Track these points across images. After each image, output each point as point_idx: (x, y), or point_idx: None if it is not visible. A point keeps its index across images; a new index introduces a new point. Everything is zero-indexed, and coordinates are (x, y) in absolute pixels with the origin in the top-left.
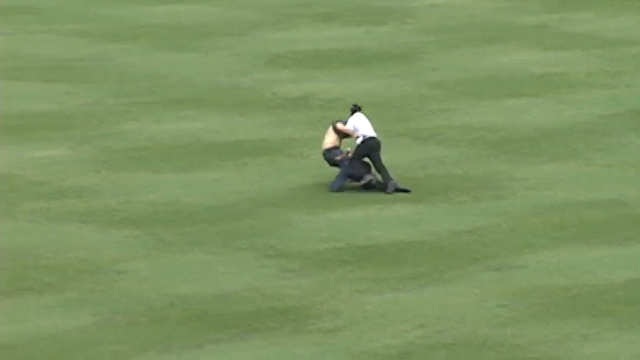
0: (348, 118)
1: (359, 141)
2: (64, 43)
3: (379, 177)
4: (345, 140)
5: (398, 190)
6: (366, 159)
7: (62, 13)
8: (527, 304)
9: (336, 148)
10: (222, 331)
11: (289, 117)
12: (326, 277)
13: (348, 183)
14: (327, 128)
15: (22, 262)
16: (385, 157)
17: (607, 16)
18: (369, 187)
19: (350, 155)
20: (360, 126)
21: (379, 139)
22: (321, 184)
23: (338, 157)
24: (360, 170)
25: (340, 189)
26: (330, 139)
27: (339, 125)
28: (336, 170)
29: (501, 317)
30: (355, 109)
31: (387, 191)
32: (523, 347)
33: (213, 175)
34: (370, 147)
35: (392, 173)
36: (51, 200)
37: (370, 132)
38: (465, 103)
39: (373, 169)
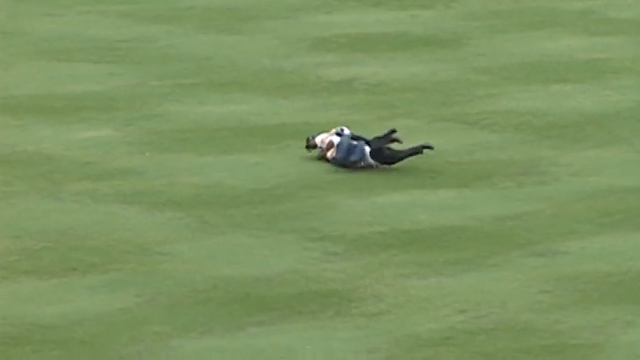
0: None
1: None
2: (109, 24)
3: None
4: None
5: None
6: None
7: None
8: (571, 290)
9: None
10: (265, 313)
11: (333, 100)
12: (369, 261)
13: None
14: (371, 112)
15: (67, 243)
16: (430, 141)
17: None
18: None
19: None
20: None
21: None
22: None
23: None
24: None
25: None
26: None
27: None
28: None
29: (544, 303)
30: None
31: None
32: (565, 333)
33: (256, 158)
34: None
35: (438, 158)
36: (96, 181)
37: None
38: (510, 88)
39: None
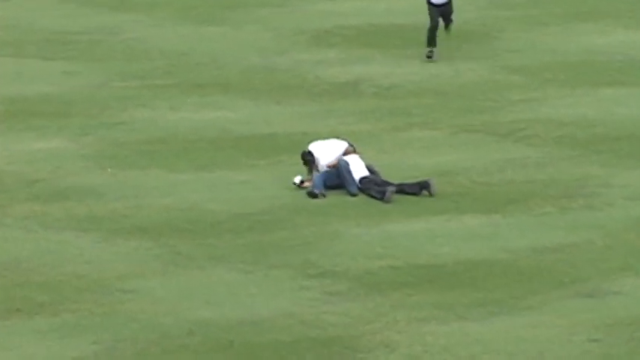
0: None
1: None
2: (65, 12)
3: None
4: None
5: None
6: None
7: None
8: (625, 338)
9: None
10: None
11: (336, 106)
12: (379, 302)
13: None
14: (381, 121)
15: (11, 278)
16: (453, 157)
17: None
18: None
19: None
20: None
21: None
22: None
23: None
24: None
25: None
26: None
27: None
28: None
29: (592, 354)
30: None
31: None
32: None
33: (242, 176)
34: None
35: (462, 177)
36: (46, 203)
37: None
38: (551, 93)
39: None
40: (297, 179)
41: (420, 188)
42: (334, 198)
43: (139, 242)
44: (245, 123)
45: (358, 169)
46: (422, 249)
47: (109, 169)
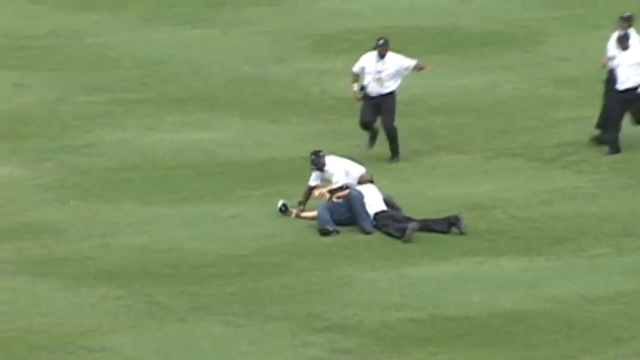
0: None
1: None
2: (16, 11)
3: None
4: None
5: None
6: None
7: None
8: None
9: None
10: None
11: (345, 126)
12: None
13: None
14: (401, 144)
15: None
16: (487, 187)
17: None
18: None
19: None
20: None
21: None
22: None
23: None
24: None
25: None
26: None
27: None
28: None
29: None
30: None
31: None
32: None
33: (232, 209)
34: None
35: (498, 211)
36: None
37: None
38: None
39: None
40: (281, 203)
41: (448, 225)
42: (344, 236)
43: (107, 290)
44: (234, 146)
45: (374, 202)
46: (449, 298)
47: (72, 202)
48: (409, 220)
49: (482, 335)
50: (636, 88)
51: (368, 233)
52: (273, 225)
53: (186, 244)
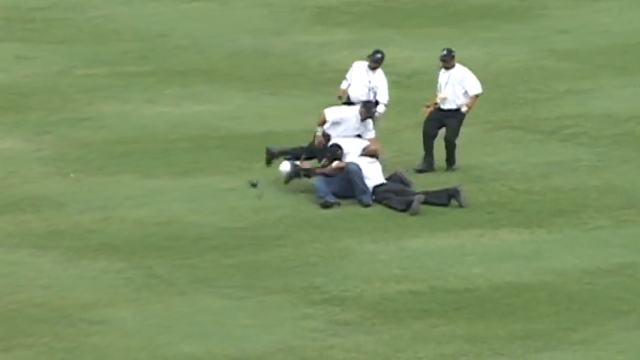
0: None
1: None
2: None
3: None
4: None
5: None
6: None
7: None
8: None
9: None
10: None
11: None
12: (397, 335)
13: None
14: (402, 116)
15: None
16: (487, 159)
17: None
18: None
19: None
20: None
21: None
22: None
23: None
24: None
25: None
26: None
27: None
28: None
29: None
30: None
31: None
32: None
33: (232, 182)
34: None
35: (498, 183)
36: None
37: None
38: (605, 82)
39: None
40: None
41: (447, 197)
42: (344, 209)
43: (107, 263)
44: (234, 118)
45: (373, 175)
46: (449, 270)
47: (72, 175)
48: (408, 193)
49: (482, 307)
50: None
51: (367, 206)
52: (273, 197)
53: (186, 216)
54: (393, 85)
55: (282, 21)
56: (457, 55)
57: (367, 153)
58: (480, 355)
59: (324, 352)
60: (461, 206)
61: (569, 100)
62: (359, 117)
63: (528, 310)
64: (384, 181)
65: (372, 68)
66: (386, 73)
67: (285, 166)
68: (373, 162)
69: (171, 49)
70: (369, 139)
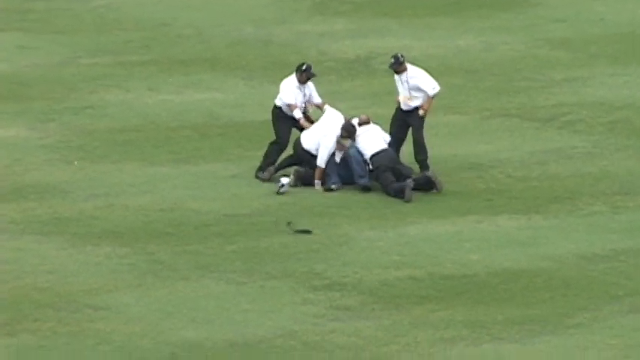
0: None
1: None
2: None
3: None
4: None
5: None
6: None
7: None
8: None
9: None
10: None
11: (344, 87)
12: (397, 320)
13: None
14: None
15: None
16: (484, 147)
17: None
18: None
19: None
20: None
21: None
22: None
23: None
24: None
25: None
26: None
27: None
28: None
29: None
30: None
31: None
32: None
33: (233, 169)
34: None
35: (495, 171)
36: (1, 202)
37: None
38: (600, 71)
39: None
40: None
41: (425, 181)
42: (343, 196)
43: (111, 249)
44: (236, 106)
45: (369, 144)
46: (448, 256)
47: (76, 163)
48: (402, 171)
49: (480, 293)
50: None
51: (365, 188)
52: (274, 185)
53: (188, 203)
54: (386, 73)
55: (283, 10)
56: (454, 44)
57: (361, 123)
58: (478, 339)
59: (324, 336)
60: (437, 191)
61: (564, 88)
62: (298, 84)
63: (525, 295)
64: (384, 147)
65: (303, 82)
66: (382, 63)
67: (284, 181)
68: (367, 130)
69: (174, 37)
70: (320, 105)
